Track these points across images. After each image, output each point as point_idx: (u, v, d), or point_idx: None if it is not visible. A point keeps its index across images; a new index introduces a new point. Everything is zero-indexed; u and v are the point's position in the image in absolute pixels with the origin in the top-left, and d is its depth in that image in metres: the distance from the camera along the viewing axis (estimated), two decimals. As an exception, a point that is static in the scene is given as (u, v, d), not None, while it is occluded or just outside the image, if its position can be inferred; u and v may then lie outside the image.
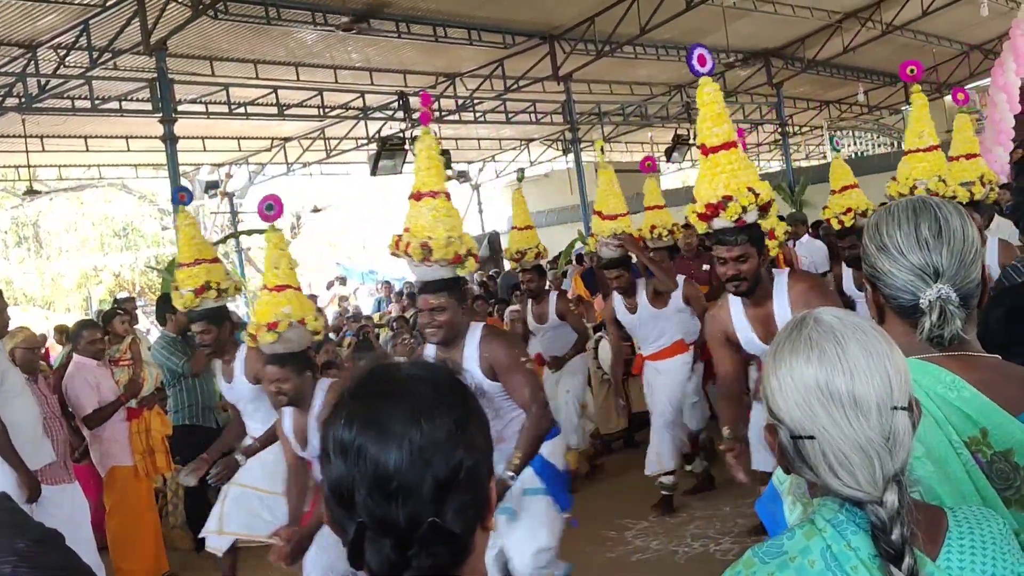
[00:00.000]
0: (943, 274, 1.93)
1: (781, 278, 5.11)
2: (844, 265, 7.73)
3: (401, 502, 1.35)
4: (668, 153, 23.00)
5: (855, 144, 32.28)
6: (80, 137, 19.02)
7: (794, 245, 11.49)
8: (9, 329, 6.53)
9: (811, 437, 1.57)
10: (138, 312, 12.71)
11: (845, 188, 7.43)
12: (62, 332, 12.77)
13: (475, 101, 20.36)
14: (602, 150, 8.71)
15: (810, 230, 13.11)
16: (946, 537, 1.59)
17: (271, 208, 5.39)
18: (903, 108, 29.51)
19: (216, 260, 6.57)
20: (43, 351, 9.40)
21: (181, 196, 7.53)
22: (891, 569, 1.49)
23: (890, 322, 2.05)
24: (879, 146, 33.80)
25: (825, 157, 31.28)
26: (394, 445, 1.37)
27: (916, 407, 1.61)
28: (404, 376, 1.48)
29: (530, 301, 8.91)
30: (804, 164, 32.29)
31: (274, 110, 17.66)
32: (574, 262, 16.56)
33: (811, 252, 11.75)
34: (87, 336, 7.70)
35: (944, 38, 23.68)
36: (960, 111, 6.89)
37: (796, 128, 30.10)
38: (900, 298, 1.99)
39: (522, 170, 9.28)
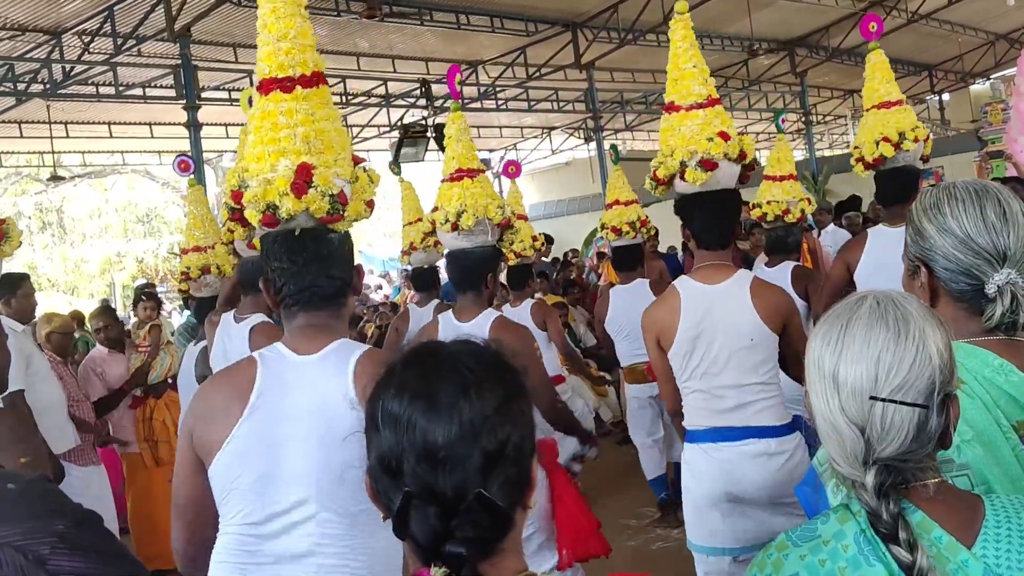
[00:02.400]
0: (1010, 258, 1.91)
1: None
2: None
3: (449, 472, 1.38)
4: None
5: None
6: (104, 123, 19.12)
7: (819, 234, 11.43)
8: (36, 314, 6.62)
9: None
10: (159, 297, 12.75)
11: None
12: (75, 319, 12.81)
13: (497, 88, 20.34)
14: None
15: (835, 219, 13.02)
16: (983, 526, 1.57)
17: None
18: (928, 97, 29.33)
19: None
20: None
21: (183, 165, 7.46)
22: (892, 549, 1.49)
23: (943, 306, 2.01)
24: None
25: (849, 146, 31.10)
26: (444, 417, 1.40)
27: (948, 405, 1.57)
28: (453, 352, 1.51)
29: None
30: (828, 153, 32.12)
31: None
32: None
33: (836, 241, 11.66)
34: (94, 324, 7.79)
35: (969, 27, 23.52)
36: (873, 46, 5.66)
37: (820, 117, 29.95)
38: (960, 282, 1.96)
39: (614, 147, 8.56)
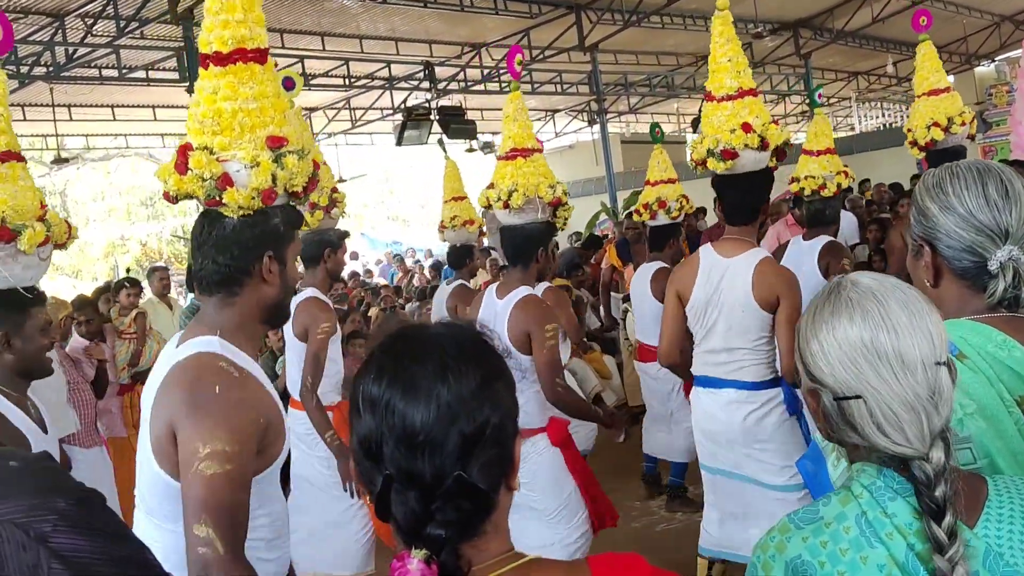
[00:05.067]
0: (1012, 235, 1.93)
1: None
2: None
3: (428, 456, 1.38)
4: (695, 124, 22.85)
5: (883, 116, 31.96)
6: (107, 106, 19.11)
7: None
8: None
9: (857, 397, 1.58)
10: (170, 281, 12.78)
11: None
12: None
13: (500, 71, 20.29)
14: None
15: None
16: (985, 505, 1.59)
17: None
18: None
19: None
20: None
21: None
22: (932, 526, 1.49)
23: (947, 284, 2.03)
24: (907, 118, 33.55)
25: (853, 128, 31.03)
26: (422, 400, 1.40)
27: (952, 364, 1.61)
28: (432, 334, 1.51)
29: None
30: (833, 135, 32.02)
31: (300, 80, 17.66)
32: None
33: (841, 224, 11.67)
34: (76, 317, 7.80)
35: (975, 9, 23.43)
36: (922, 38, 6.38)
37: (824, 99, 29.89)
38: (963, 259, 1.98)
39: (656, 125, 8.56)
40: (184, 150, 2.61)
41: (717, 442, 4.80)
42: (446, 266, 17.72)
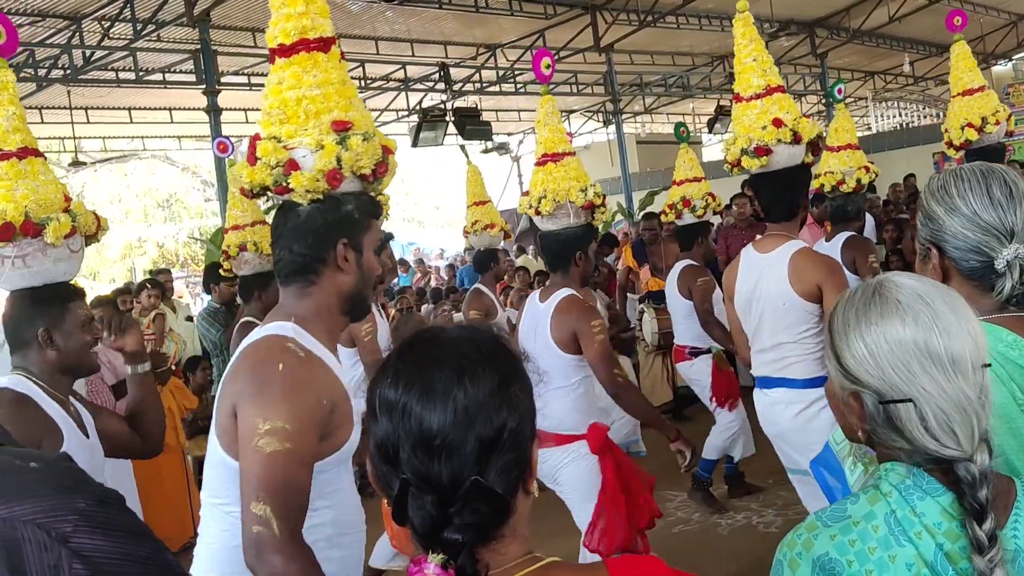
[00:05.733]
0: (1017, 234, 1.95)
1: None
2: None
3: (444, 460, 1.38)
4: (710, 124, 22.82)
5: (900, 115, 31.83)
6: (124, 109, 19.19)
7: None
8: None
9: (907, 400, 1.57)
10: (174, 282, 12.79)
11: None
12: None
13: (516, 72, 20.28)
14: None
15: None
16: (1014, 506, 1.59)
17: None
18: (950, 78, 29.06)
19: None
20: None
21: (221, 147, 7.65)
22: (974, 527, 1.49)
23: (955, 285, 2.03)
24: (924, 117, 33.44)
25: (870, 128, 30.89)
26: (439, 404, 1.40)
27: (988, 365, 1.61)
28: (449, 338, 1.51)
29: None
30: (848, 135, 31.86)
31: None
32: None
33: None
34: (96, 315, 7.82)
35: (992, 7, 23.29)
36: (956, 38, 6.57)
37: (842, 96, 29.75)
38: (970, 260, 2.00)
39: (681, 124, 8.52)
40: (253, 140, 2.66)
41: (776, 442, 4.77)
42: (460, 268, 17.78)
